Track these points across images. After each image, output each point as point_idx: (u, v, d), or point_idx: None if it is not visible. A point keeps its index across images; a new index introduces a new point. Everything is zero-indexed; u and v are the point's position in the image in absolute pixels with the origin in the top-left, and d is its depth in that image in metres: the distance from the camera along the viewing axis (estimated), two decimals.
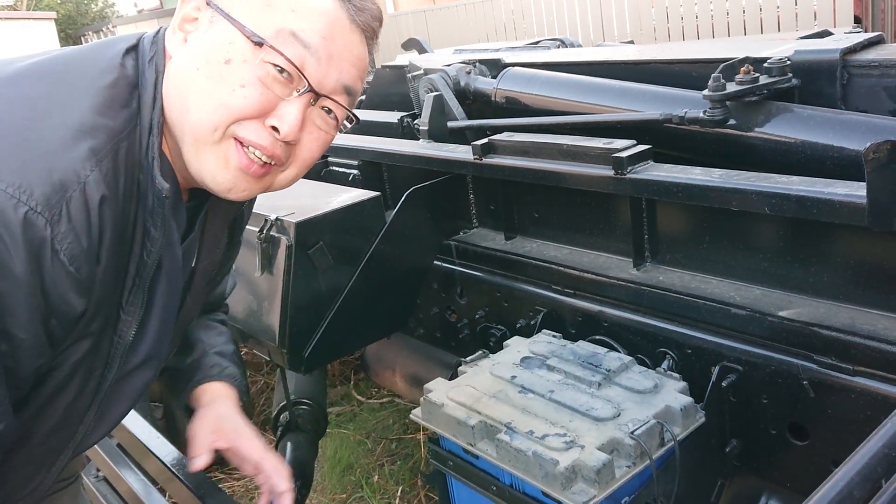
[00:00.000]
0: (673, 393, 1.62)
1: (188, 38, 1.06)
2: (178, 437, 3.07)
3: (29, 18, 17.34)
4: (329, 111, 1.10)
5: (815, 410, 1.52)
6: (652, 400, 1.60)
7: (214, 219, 1.25)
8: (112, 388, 1.15)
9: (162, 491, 1.94)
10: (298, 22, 1.03)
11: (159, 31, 1.11)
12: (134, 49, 1.07)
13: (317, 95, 1.06)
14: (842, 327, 1.46)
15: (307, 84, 1.04)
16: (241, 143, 1.04)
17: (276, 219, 2.01)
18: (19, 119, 0.93)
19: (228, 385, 1.55)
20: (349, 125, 1.15)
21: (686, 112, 1.83)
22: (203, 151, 1.04)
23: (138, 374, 1.18)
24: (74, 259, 0.93)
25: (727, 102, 1.79)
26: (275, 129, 1.04)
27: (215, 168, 1.05)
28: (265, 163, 1.06)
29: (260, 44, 1.01)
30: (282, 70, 1.02)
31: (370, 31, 1.10)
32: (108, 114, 0.98)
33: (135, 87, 1.04)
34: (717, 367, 1.63)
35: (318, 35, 1.03)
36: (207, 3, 1.05)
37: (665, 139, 1.94)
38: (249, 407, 3.44)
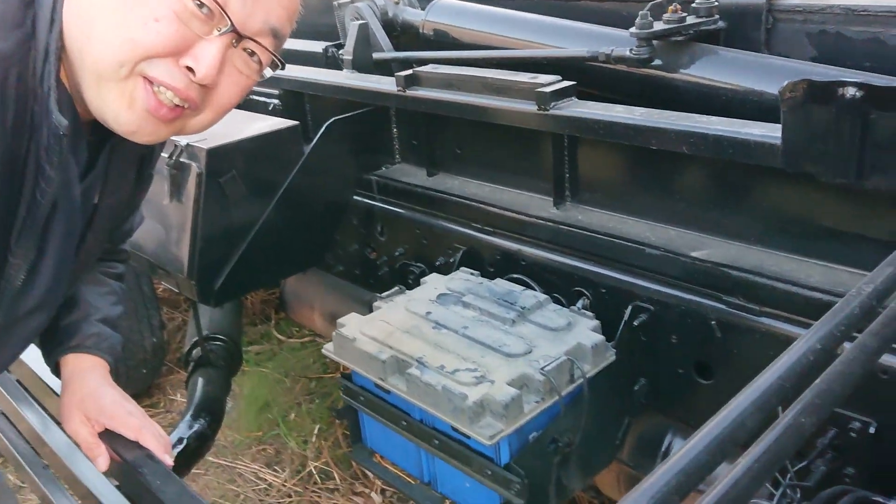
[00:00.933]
0: (585, 331, 1.62)
1: None
2: None
3: None
4: (252, 54, 0.99)
5: (721, 350, 1.55)
6: (564, 337, 1.60)
7: (120, 155, 1.15)
8: (1, 332, 1.08)
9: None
10: None
11: None
12: None
13: (239, 36, 0.96)
14: (750, 269, 1.48)
15: (229, 23, 0.94)
16: (150, 81, 0.94)
17: (187, 144, 1.91)
18: None
19: (101, 359, 1.42)
20: (273, 71, 1.05)
21: (612, 50, 1.80)
22: (105, 88, 0.94)
23: (32, 318, 1.11)
24: None
25: (654, 42, 1.76)
26: (190, 69, 0.94)
27: (118, 107, 0.95)
28: (177, 105, 0.96)
29: None
30: (201, 5, 0.91)
31: None
32: None
33: (29, 5, 0.93)
34: (630, 307, 1.64)
35: None
36: None
37: (591, 78, 1.91)
38: (161, 347, 3.30)
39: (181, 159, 1.91)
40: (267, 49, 1.00)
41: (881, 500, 1.26)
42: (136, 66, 0.93)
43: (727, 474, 0.82)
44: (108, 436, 1.36)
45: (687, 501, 0.79)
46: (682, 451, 0.78)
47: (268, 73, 1.04)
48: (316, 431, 2.94)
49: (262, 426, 3.03)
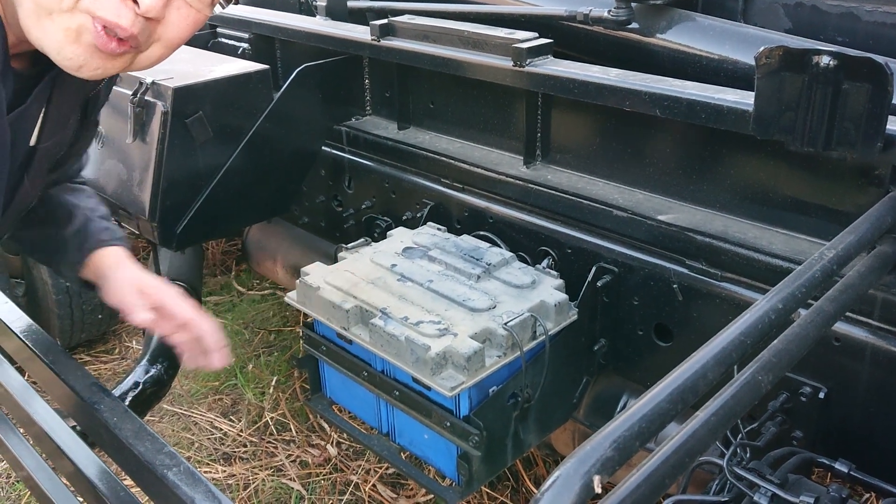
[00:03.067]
0: (549, 290, 1.63)
1: None
2: (39, 315, 2.91)
3: None
4: None
5: (681, 314, 1.57)
6: (528, 295, 1.61)
7: (63, 94, 1.09)
8: None
9: (20, 371, 1.82)
10: None
11: None
12: None
13: None
14: (715, 234, 1.50)
15: None
16: (97, 21, 0.89)
17: (153, 82, 1.86)
18: None
19: (124, 248, 1.40)
20: (225, 6, 1.00)
21: (591, 10, 1.79)
22: (48, 20, 0.88)
23: None
24: None
25: (632, 4, 1.76)
26: (135, 1, 0.88)
27: (63, 41, 0.89)
28: (122, 40, 0.91)
29: None
30: None
31: None
32: None
33: None
34: (594, 268, 1.65)
35: None
36: None
37: (567, 38, 1.91)
38: None
39: (146, 97, 1.86)
40: None
41: (826, 461, 1.30)
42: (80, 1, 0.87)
43: (683, 427, 0.84)
44: None
45: (636, 458, 0.81)
46: (645, 398, 0.79)
47: (221, 7, 0.99)
48: (273, 383, 2.93)
49: (220, 376, 3.01)
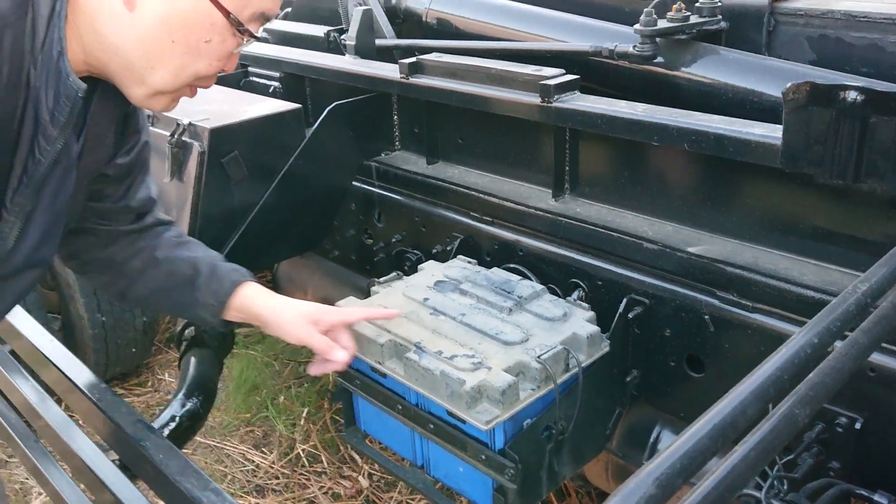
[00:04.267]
0: (581, 322, 1.65)
1: None
2: (75, 349, 2.96)
3: None
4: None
5: (713, 344, 1.58)
6: (560, 327, 1.63)
7: (99, 117, 1.18)
8: None
9: (59, 402, 1.87)
10: (267, 2, 1.10)
11: None
12: None
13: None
14: (745, 265, 1.51)
15: (251, 37, 1.11)
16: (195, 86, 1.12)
17: (189, 123, 1.92)
18: None
19: (255, 282, 1.49)
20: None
21: (616, 45, 1.82)
22: (159, 96, 1.10)
23: (23, 275, 1.14)
24: None
25: (657, 39, 1.79)
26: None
27: (166, 105, 1.13)
28: None
29: (241, 31, 1.07)
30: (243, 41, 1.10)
31: None
32: None
33: None
34: (625, 300, 1.66)
35: (276, 6, 1.14)
36: None
37: (593, 73, 1.94)
38: (152, 327, 3.33)
39: (183, 138, 1.91)
40: (254, 36, 1.15)
41: (865, 493, 1.30)
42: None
43: (723, 463, 0.85)
44: None
45: (677, 495, 0.82)
46: (686, 435, 0.80)
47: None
48: (304, 415, 2.96)
49: (251, 408, 3.05)
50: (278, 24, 2.84)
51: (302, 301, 1.48)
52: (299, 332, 1.44)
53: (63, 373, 1.73)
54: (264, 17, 1.11)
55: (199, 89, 1.17)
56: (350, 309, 1.57)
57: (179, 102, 1.16)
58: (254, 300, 1.45)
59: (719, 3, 1.83)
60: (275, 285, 3.01)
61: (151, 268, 1.41)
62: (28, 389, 1.89)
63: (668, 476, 0.75)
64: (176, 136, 1.91)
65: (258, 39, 1.13)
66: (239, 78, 2.64)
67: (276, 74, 2.49)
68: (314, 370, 1.52)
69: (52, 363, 1.80)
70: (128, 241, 1.40)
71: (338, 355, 1.44)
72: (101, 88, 1.12)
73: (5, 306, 1.16)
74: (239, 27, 1.07)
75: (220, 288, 1.44)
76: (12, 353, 2.06)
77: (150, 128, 1.99)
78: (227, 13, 1.05)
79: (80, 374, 1.70)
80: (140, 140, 1.32)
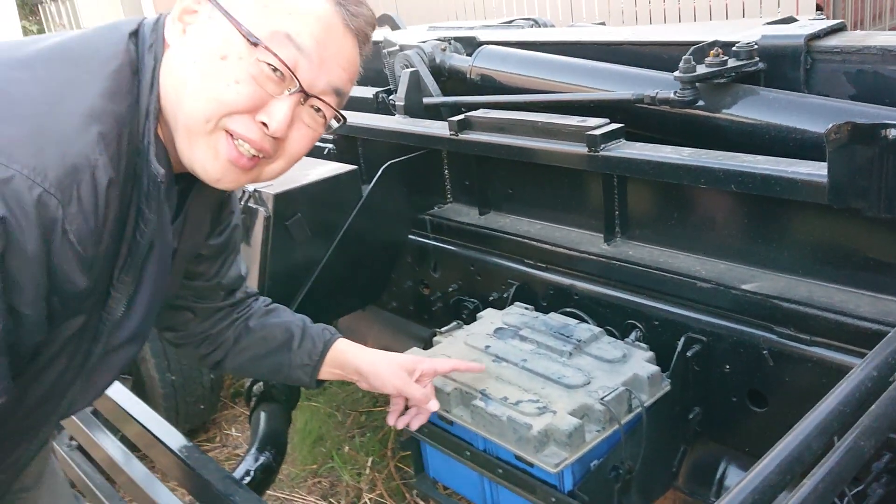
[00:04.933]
0: (640, 362, 1.69)
1: (187, 29, 1.08)
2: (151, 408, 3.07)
3: None
4: (318, 110, 1.12)
5: (773, 379, 1.60)
6: (620, 369, 1.67)
7: (199, 203, 1.28)
8: (98, 363, 1.19)
9: (142, 457, 1.96)
10: (294, 25, 1.06)
11: (160, 18, 1.13)
12: (135, 34, 1.09)
13: (306, 95, 1.08)
14: (800, 300, 1.54)
15: (298, 84, 1.07)
16: (231, 135, 1.07)
17: (254, 190, 2.03)
18: (35, 103, 0.96)
19: (343, 338, 1.60)
20: (336, 124, 1.18)
21: (657, 92, 1.89)
22: (195, 141, 1.07)
23: (125, 349, 1.21)
24: (82, 239, 0.96)
25: (697, 84, 1.85)
26: (264, 124, 1.07)
27: (206, 158, 1.08)
28: (253, 156, 1.09)
29: (256, 44, 1.04)
30: (275, 69, 1.05)
31: (363, 36, 1.13)
32: (115, 99, 1.01)
33: (136, 72, 1.06)
34: (683, 338, 1.70)
35: (312, 39, 1.07)
36: None
37: (636, 119, 2.00)
38: (218, 383, 3.45)
39: (249, 204, 2.03)
40: (330, 106, 1.13)
41: None
42: (220, 121, 1.06)
43: (792, 497, 0.88)
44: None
45: None
46: (753, 472, 0.85)
47: (333, 124, 1.18)
48: (369, 464, 3.01)
49: (317, 459, 3.11)
50: None
51: (394, 353, 1.58)
52: (396, 383, 1.54)
53: (145, 427, 1.83)
54: (289, 40, 1.05)
55: (256, 169, 1.11)
56: (441, 360, 1.64)
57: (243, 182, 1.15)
58: (349, 356, 1.56)
59: (756, 46, 1.88)
60: None
61: (245, 337, 1.52)
62: (111, 446, 1.99)
63: None
64: (243, 203, 2.02)
65: (281, 61, 1.04)
66: None
67: (330, 137, 2.61)
68: (402, 422, 1.60)
69: (134, 419, 1.90)
70: (221, 315, 1.52)
71: (431, 405, 1.55)
72: (197, 185, 1.21)
73: (110, 378, 1.25)
74: (250, 38, 1.03)
75: (314, 348, 1.55)
76: (94, 412, 2.17)
77: None
78: (236, 23, 1.04)
79: (163, 429, 1.79)
80: (232, 222, 1.43)
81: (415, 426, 1.61)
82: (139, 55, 1.08)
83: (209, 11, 1.07)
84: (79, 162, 0.95)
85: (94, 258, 1.01)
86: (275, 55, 1.04)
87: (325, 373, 1.57)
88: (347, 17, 1.10)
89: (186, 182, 1.21)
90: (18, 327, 0.96)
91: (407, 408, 1.63)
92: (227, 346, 1.53)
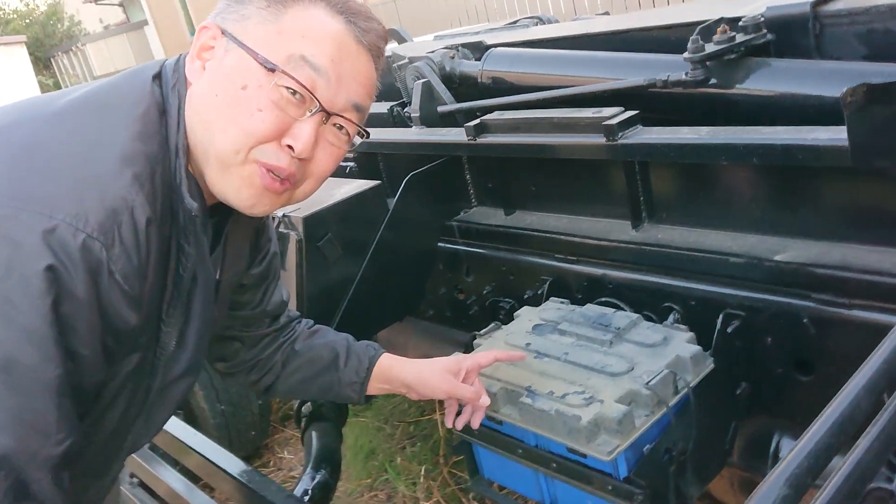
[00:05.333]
0: (682, 343, 1.70)
1: (206, 66, 1.13)
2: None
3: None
4: (340, 127, 1.16)
5: (817, 346, 1.60)
6: (662, 352, 1.68)
7: (236, 233, 1.33)
8: (156, 397, 1.23)
9: (203, 487, 2.01)
10: (308, 47, 1.09)
11: (180, 58, 1.17)
12: (158, 76, 1.14)
13: (328, 114, 1.12)
14: (836, 264, 1.54)
15: (318, 104, 1.10)
16: (262, 166, 1.11)
17: (284, 215, 2.08)
18: (70, 154, 1.01)
19: (386, 352, 1.66)
20: (360, 139, 1.22)
21: (669, 75, 1.90)
22: (228, 173, 1.11)
23: (181, 382, 1.26)
24: (127, 278, 1.01)
25: (707, 63, 1.85)
26: (290, 147, 1.11)
27: (239, 187, 1.12)
28: (283, 180, 1.13)
29: (273, 70, 1.07)
30: (294, 92, 1.08)
31: (376, 50, 1.17)
32: (145, 141, 1.06)
33: (162, 113, 1.11)
34: (722, 315, 1.71)
35: (327, 58, 1.10)
36: (223, 33, 1.12)
37: (651, 104, 2.01)
38: (267, 408, 3.51)
39: (280, 230, 2.07)
40: (352, 122, 1.17)
41: None
42: (250, 152, 1.10)
43: (848, 458, 0.89)
44: None
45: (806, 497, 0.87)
46: (807, 436, 0.86)
47: (357, 140, 1.22)
48: (423, 473, 3.04)
49: (371, 473, 3.15)
50: None
51: (436, 358, 1.62)
52: (445, 387, 1.58)
53: (205, 457, 1.88)
54: (305, 62, 1.09)
55: (287, 192, 1.15)
56: (482, 354, 1.67)
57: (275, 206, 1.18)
58: (395, 370, 1.61)
59: (762, 18, 1.89)
60: None
61: (293, 360, 1.57)
62: (172, 479, 2.04)
63: (798, 476, 0.81)
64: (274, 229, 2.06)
65: (299, 83, 1.08)
66: None
67: (351, 155, 2.65)
68: (460, 422, 1.64)
69: (192, 450, 1.95)
70: (268, 340, 1.57)
71: (484, 400, 1.59)
72: (233, 215, 1.26)
73: (169, 412, 1.29)
74: (267, 64, 1.07)
75: (360, 365, 1.60)
76: (151, 446, 2.23)
77: None
78: (252, 52, 1.07)
79: (222, 456, 1.84)
80: (270, 250, 1.48)
81: (475, 424, 1.64)
82: (164, 96, 1.12)
83: (225, 45, 1.12)
84: (117, 204, 0.99)
85: (141, 295, 1.05)
86: (292, 78, 1.08)
87: (373, 388, 1.62)
88: (359, 34, 1.14)
89: (221, 214, 1.26)
90: (78, 369, 1.00)
91: (461, 409, 1.66)
92: (276, 371, 1.58)
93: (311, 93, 1.09)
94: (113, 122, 1.07)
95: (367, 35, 1.15)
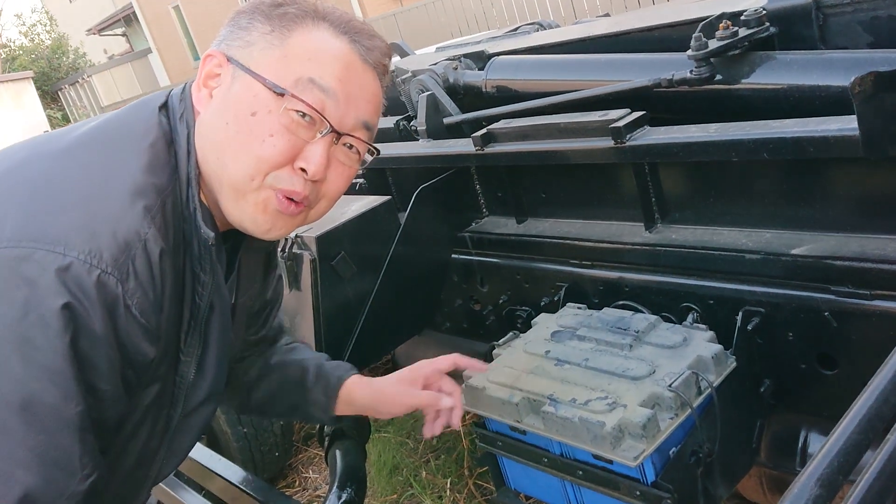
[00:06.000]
0: (702, 343, 1.68)
1: (213, 93, 1.13)
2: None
3: (7, 81, 17.47)
4: (351, 147, 1.17)
5: (839, 339, 1.59)
6: (683, 352, 1.67)
7: (249, 257, 1.33)
8: (179, 426, 1.24)
9: None
10: (315, 69, 1.10)
11: (185, 87, 1.18)
12: (165, 107, 1.14)
13: (338, 134, 1.13)
14: (854, 256, 1.53)
15: (328, 125, 1.10)
16: (277, 192, 1.11)
17: (297, 236, 2.08)
18: (81, 190, 1.02)
19: (357, 374, 1.63)
20: (371, 157, 1.23)
21: (673, 74, 1.89)
22: (243, 199, 1.11)
23: (202, 410, 1.26)
24: (144, 311, 1.01)
25: (711, 59, 1.85)
26: (303, 170, 1.11)
27: (255, 212, 1.12)
28: (298, 202, 1.13)
29: (282, 94, 1.08)
30: (304, 115, 1.09)
31: (381, 68, 1.18)
32: (155, 172, 1.07)
33: (171, 143, 1.11)
34: (741, 313, 1.69)
35: (334, 79, 1.11)
36: (228, 60, 1.12)
37: (657, 104, 2.00)
38: (289, 428, 3.51)
39: (294, 250, 2.08)
40: (362, 140, 1.17)
41: None
42: (265, 178, 1.10)
43: (879, 453, 0.88)
44: None
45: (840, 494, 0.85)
46: (836, 432, 0.85)
47: (368, 158, 1.22)
48: (448, 486, 3.03)
49: (397, 489, 3.14)
50: None
51: (396, 371, 1.59)
52: (403, 399, 1.55)
53: (230, 482, 1.88)
54: (313, 84, 1.09)
55: (302, 214, 1.15)
56: (439, 359, 1.61)
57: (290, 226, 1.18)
58: (355, 393, 1.57)
59: (764, 11, 1.88)
60: (395, 367, 3.14)
61: (266, 376, 1.57)
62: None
63: (829, 475, 0.80)
64: (287, 250, 2.07)
65: (308, 105, 1.08)
66: None
67: (360, 171, 2.65)
68: (427, 431, 1.60)
69: (216, 474, 1.95)
70: (251, 359, 1.56)
71: (445, 402, 1.53)
72: (245, 239, 1.26)
73: (192, 440, 1.30)
74: (276, 89, 1.07)
75: (328, 384, 1.56)
76: (176, 473, 2.23)
77: None
78: (260, 78, 1.08)
79: (246, 480, 1.84)
80: (276, 274, 1.48)
81: (455, 424, 1.58)
82: (172, 126, 1.13)
83: (232, 72, 1.12)
84: (130, 238, 1.00)
85: (158, 327, 1.05)
86: (302, 101, 1.08)
87: (341, 409, 1.59)
88: (364, 52, 1.14)
89: (234, 239, 1.26)
90: (99, 403, 1.01)
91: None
92: (250, 386, 1.57)
93: (321, 114, 1.10)
94: (122, 155, 1.07)
95: (372, 53, 1.15)
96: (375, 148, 1.22)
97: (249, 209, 1.12)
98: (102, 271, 0.96)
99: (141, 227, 1.01)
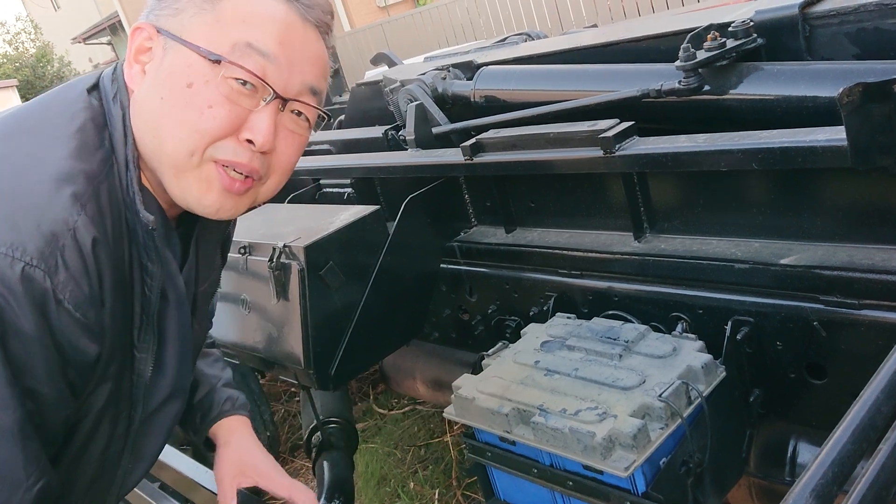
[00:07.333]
0: (692, 353, 1.68)
1: (146, 69, 1.06)
2: None
3: None
4: (299, 113, 1.10)
5: (829, 348, 1.59)
6: (673, 362, 1.67)
7: (206, 240, 1.26)
8: (143, 427, 1.17)
9: None
10: (252, 32, 1.02)
11: (116, 66, 1.10)
12: (95, 88, 1.07)
13: (284, 100, 1.06)
14: (842, 265, 1.53)
15: (272, 91, 1.03)
16: (220, 164, 1.04)
17: (284, 246, 2.07)
18: (2, 180, 0.95)
19: (243, 416, 1.59)
20: (322, 123, 1.16)
21: (662, 84, 1.90)
22: (184, 178, 1.04)
23: (167, 408, 1.20)
24: (79, 305, 0.94)
25: (699, 70, 1.86)
26: (250, 141, 1.04)
27: (199, 192, 1.05)
28: (246, 177, 1.06)
29: (218, 61, 1.00)
30: (245, 83, 1.02)
31: (324, 26, 1.09)
32: (83, 157, 1.00)
33: (104, 126, 1.04)
34: (730, 322, 1.69)
35: (274, 41, 1.03)
36: (158, 32, 1.05)
37: (646, 114, 2.01)
38: (275, 440, 3.49)
39: (282, 261, 2.06)
40: (311, 104, 1.10)
41: None
42: (205, 151, 1.03)
43: (872, 463, 0.88)
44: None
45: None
46: (829, 444, 0.85)
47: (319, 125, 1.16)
48: (436, 497, 3.01)
49: (384, 500, 3.12)
50: (336, 134, 3.02)
51: (252, 450, 1.57)
52: (222, 474, 1.55)
53: (215, 493, 1.85)
54: (251, 49, 1.01)
55: (252, 191, 1.09)
56: (276, 482, 1.60)
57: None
58: (221, 431, 1.56)
59: (751, 23, 1.89)
60: (383, 376, 3.12)
61: None
62: None
63: (823, 486, 0.79)
64: (275, 260, 2.05)
65: (249, 72, 1.01)
66: (313, 193, 2.81)
67: (347, 181, 2.64)
68: None
69: (201, 486, 1.93)
70: None
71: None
72: (199, 223, 1.19)
73: (160, 442, 1.23)
74: (211, 56, 0.99)
75: (208, 414, 1.55)
76: (161, 487, 2.20)
77: (250, 257, 2.16)
78: (193, 46, 1.00)
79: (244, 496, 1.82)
80: (227, 259, 1.43)
81: None
82: (105, 108, 1.05)
83: (163, 44, 1.04)
84: (56, 228, 0.92)
85: (100, 323, 0.98)
86: (241, 67, 1.01)
87: (213, 439, 1.59)
88: (304, 11, 1.06)
89: (187, 223, 1.19)
90: (41, 408, 0.94)
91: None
92: None
93: (263, 80, 1.02)
94: (45, 141, 1.00)
95: (312, 11, 1.07)
96: (326, 112, 1.13)
97: (193, 188, 1.05)
98: (27, 264, 0.89)
99: (69, 215, 0.94)
